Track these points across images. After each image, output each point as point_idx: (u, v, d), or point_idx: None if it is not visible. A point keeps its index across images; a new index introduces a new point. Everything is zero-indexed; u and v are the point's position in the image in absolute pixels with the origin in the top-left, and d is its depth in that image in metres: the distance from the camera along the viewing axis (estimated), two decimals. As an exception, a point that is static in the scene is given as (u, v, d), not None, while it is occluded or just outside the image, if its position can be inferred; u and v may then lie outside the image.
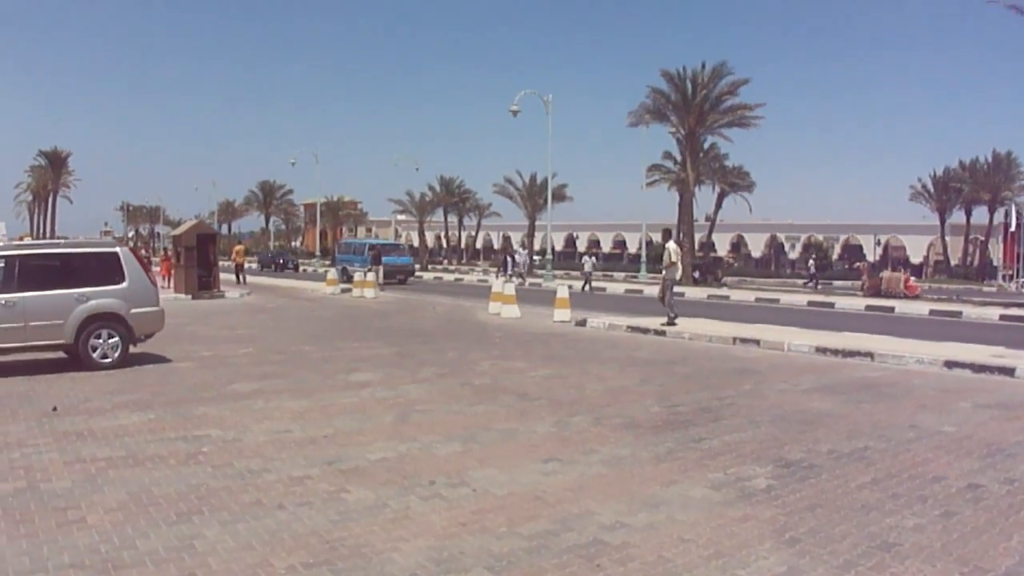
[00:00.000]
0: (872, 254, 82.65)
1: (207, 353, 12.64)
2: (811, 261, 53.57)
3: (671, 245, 16.89)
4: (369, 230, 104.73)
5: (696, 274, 41.80)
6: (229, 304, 23.66)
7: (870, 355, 12.64)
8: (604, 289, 34.35)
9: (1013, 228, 45.88)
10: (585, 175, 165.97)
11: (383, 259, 34.93)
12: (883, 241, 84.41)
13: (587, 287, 33.18)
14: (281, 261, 60.62)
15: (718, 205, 65.72)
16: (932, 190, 67.36)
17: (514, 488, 5.64)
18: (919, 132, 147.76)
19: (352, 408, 8.45)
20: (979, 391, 9.95)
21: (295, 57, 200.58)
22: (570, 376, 10.79)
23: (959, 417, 8.37)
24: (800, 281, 50.45)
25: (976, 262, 68.69)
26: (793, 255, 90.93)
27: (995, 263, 67.01)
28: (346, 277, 34.25)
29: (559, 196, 59.29)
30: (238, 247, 35.83)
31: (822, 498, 5.60)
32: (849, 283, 49.81)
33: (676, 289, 17.75)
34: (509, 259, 27.31)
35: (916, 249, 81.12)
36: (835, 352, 13.13)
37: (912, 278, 32.96)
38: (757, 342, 14.39)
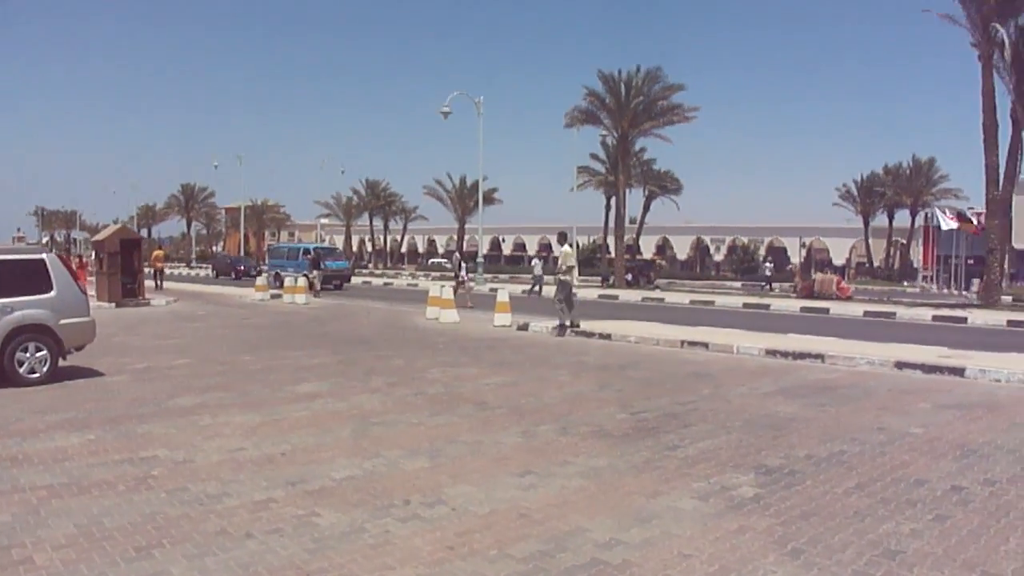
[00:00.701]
0: (797, 256, 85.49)
1: (141, 365, 12.05)
2: (767, 264, 54.74)
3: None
4: (292, 234, 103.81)
5: (629, 276, 42.33)
6: (156, 312, 22.90)
7: (820, 357, 12.89)
8: (539, 293, 34.32)
9: (944, 226, 47.74)
10: (515, 178, 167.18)
11: (325, 263, 34.54)
12: (807, 243, 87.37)
13: (536, 290, 33.18)
14: (242, 268, 52.47)
15: (646, 208, 66.92)
16: (856, 194, 70.00)
17: (495, 505, 5.43)
18: (844, 138, 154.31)
19: (305, 422, 8.10)
20: (934, 391, 10.23)
21: (216, 59, 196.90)
22: (525, 383, 10.66)
23: (923, 418, 8.55)
24: (735, 284, 51.67)
25: (897, 264, 71.60)
26: (718, 257, 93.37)
27: (915, 265, 70.10)
28: (279, 283, 33.69)
29: (489, 199, 59.49)
30: (157, 252, 34.88)
31: (812, 506, 5.58)
32: (778, 285, 51.30)
33: (610, 292, 17.99)
34: (463, 263, 26.73)
35: (839, 251, 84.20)
36: (785, 354, 13.34)
37: (844, 280, 33.96)
38: (705, 345, 14.54)
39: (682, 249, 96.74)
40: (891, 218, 70.38)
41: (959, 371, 11.45)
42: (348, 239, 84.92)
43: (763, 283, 48.16)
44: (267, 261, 42.26)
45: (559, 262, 17.01)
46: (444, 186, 64.88)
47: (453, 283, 25.52)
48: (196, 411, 8.58)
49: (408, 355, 13.41)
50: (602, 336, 16.20)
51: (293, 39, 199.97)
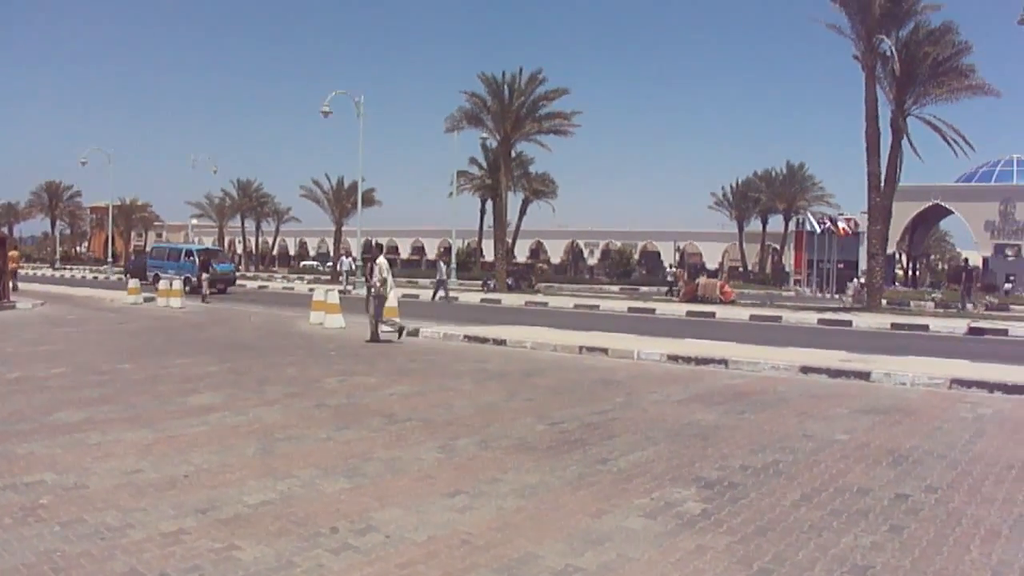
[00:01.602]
0: (671, 260, 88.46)
1: (14, 375, 11.15)
2: (673, 269, 55.84)
3: (381, 260, 16.89)
4: (160, 235, 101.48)
5: (510, 281, 42.45)
6: (23, 316, 21.82)
7: (724, 362, 13.10)
8: (418, 296, 33.91)
9: (816, 230, 50.33)
10: (394, 181, 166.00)
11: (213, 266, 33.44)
12: (681, 247, 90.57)
13: (440, 295, 32.68)
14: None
15: (522, 212, 67.45)
16: (731, 199, 73.02)
17: (431, 531, 5.03)
18: (721, 145, 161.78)
19: (204, 438, 7.49)
20: (846, 396, 10.53)
21: (85, 54, 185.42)
22: (430, 392, 10.35)
23: (844, 424, 8.73)
24: (612, 288, 52.69)
25: (769, 268, 75.12)
26: (592, 261, 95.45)
27: (787, 269, 73.83)
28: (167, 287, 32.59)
29: (368, 200, 58.61)
30: (13, 252, 32.79)
31: (765, 520, 5.46)
32: (655, 289, 52.78)
33: (493, 296, 18.00)
34: (374, 266, 25.46)
35: (712, 255, 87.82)
36: (688, 360, 13.50)
37: (727, 284, 35.17)
38: (605, 351, 14.54)
39: (556, 253, 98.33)
40: (765, 223, 73.78)
41: (865, 375, 11.87)
42: (221, 241, 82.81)
43: (668, 290, 48.91)
44: (147, 263, 40.67)
45: (373, 275, 16.72)
46: (321, 187, 63.59)
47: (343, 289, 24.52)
48: (82, 427, 7.82)
49: (300, 363, 12.99)
50: (496, 342, 15.97)
51: (166, 33, 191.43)
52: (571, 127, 41.28)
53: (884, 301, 32.15)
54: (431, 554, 4.64)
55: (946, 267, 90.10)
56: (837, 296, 52.64)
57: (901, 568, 4.66)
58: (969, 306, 33.27)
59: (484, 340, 16.23)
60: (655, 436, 7.95)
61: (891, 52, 25.82)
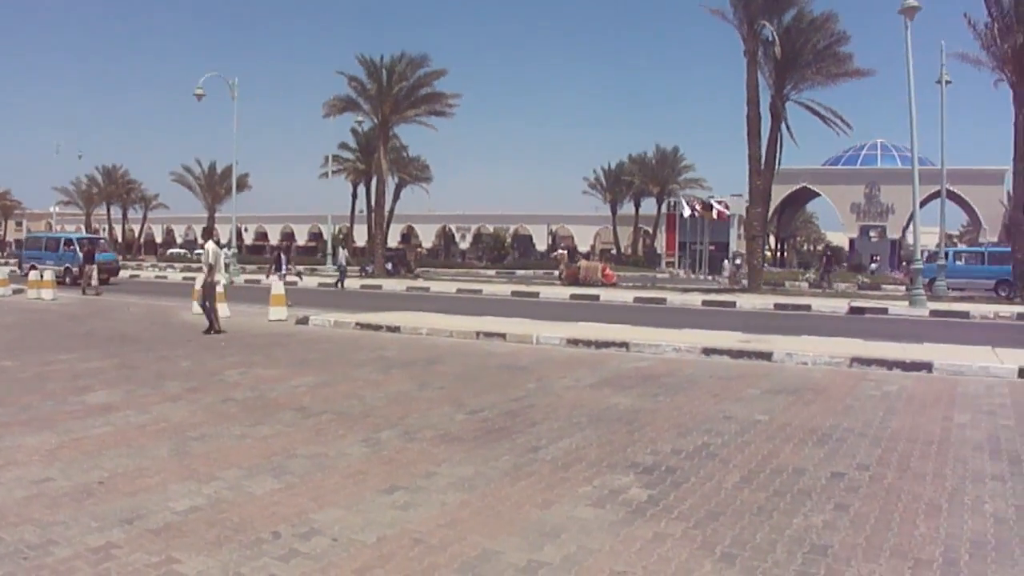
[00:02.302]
0: (543, 243, 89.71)
1: None
2: (557, 253, 55.75)
3: (210, 245, 16.13)
4: (20, 224, 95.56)
5: (389, 266, 42.09)
6: None
7: (625, 345, 13.30)
8: (296, 284, 32.98)
9: (687, 214, 51.94)
10: (265, 165, 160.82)
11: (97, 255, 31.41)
12: (554, 230, 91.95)
13: (341, 284, 31.87)
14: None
15: (396, 196, 66.85)
16: (605, 182, 74.60)
17: (379, 531, 4.83)
18: (596, 129, 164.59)
19: (112, 440, 7.01)
20: (754, 377, 10.88)
21: None
22: (337, 383, 10.11)
23: (760, 405, 8.99)
24: (488, 272, 52.87)
25: (641, 251, 77.33)
26: (464, 245, 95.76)
27: (658, 251, 76.20)
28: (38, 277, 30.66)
29: (241, 185, 56.58)
30: None
31: (713, 504, 5.53)
32: (531, 272, 53.34)
33: (373, 282, 17.87)
34: (283, 255, 23.79)
35: (584, 238, 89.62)
36: (588, 343, 13.63)
37: (608, 267, 35.86)
38: (503, 336, 14.52)
39: (427, 237, 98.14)
40: (637, 206, 75.86)
41: (766, 355, 12.29)
42: (88, 229, 78.79)
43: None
44: (23, 253, 38.71)
45: (202, 259, 15.97)
46: (193, 172, 61.22)
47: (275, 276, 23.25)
48: None
49: (192, 355, 12.50)
50: (390, 329, 15.71)
51: (29, 9, 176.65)
52: (451, 108, 41.30)
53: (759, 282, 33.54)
54: (385, 556, 4.44)
55: (812, 248, 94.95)
56: (711, 277, 54.73)
57: (858, 546, 4.80)
58: (827, 286, 35.40)
59: (377, 327, 15.94)
60: (578, 422, 7.95)
61: (773, 38, 26.88)
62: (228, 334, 15.44)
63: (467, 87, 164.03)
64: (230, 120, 38.92)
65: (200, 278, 15.53)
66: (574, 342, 13.73)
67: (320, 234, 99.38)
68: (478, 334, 14.77)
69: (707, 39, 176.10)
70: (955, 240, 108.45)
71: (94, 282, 28.57)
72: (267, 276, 23.97)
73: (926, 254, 24.65)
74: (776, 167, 29.98)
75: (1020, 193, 26.31)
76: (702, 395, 9.53)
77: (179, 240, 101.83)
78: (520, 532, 4.92)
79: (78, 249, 33.40)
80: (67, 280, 32.76)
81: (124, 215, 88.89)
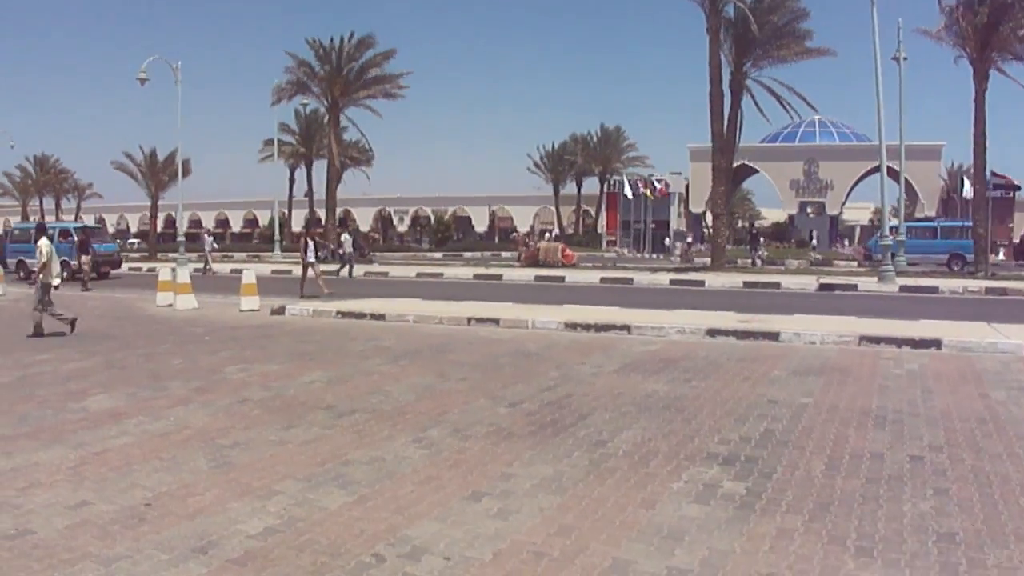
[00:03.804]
0: (483, 225, 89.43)
1: None
2: (547, 235, 55.27)
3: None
4: None
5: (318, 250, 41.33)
6: None
7: (626, 328, 13.13)
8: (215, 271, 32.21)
9: (630, 194, 52.08)
10: (212, 152, 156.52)
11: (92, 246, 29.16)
12: (493, 211, 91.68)
13: (349, 272, 30.40)
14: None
15: (338, 180, 65.72)
16: (547, 162, 74.49)
17: (491, 546, 4.49)
18: (539, 110, 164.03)
19: (138, 452, 6.47)
20: (771, 358, 10.82)
21: None
22: (351, 377, 9.69)
23: (796, 387, 8.90)
24: (435, 255, 52.33)
25: (581, 230, 77.53)
26: (402, 228, 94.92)
27: (599, 231, 76.47)
28: (23, 273, 29.26)
29: (185, 171, 54.87)
30: None
31: (815, 495, 5.36)
32: (477, 254, 53.02)
33: (328, 268, 17.74)
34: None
35: (523, 218, 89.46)
36: (586, 327, 13.44)
37: (568, 248, 35.73)
38: (495, 321, 14.24)
39: (364, 221, 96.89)
40: (579, 185, 75.97)
41: (773, 335, 12.24)
42: (24, 220, 75.77)
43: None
44: (7, 247, 35.04)
45: (36, 255, 14.50)
46: (134, 159, 59.03)
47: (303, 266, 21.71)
48: None
49: (179, 352, 11.94)
50: (374, 316, 15.29)
51: None
52: (400, 89, 40.71)
53: (708, 260, 33.86)
54: (512, 575, 4.15)
55: (748, 225, 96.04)
56: (658, 256, 55.11)
57: (980, 532, 4.70)
58: (757, 262, 36.24)
59: (360, 315, 15.49)
60: (627, 412, 7.72)
61: (741, 14, 26.93)
62: (207, 328, 14.76)
63: (406, 67, 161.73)
64: (163, 104, 37.94)
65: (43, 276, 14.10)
66: (572, 326, 13.51)
67: (255, 220, 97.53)
68: (469, 320, 14.44)
69: (652, 17, 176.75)
70: (889, 215, 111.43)
71: (86, 276, 26.43)
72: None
73: (889, 229, 24.97)
74: (737, 144, 30.19)
75: (980, 166, 26.91)
76: (732, 379, 9.39)
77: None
78: (640, 537, 4.66)
79: (76, 240, 30.50)
80: (64, 275, 30.39)
81: (57, 205, 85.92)
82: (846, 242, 71.40)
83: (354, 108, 42.43)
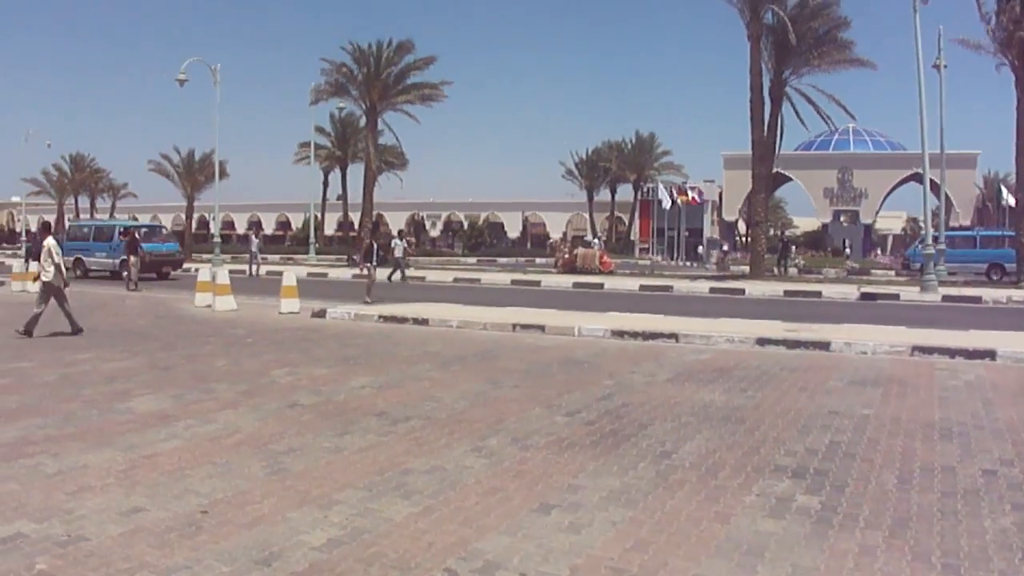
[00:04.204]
0: (515, 230, 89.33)
1: None
2: (595, 241, 54.78)
3: (49, 241, 14.09)
4: None
5: (380, 254, 41.44)
6: None
7: (674, 336, 12.99)
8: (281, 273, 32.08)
9: (667, 204, 51.81)
10: (241, 152, 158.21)
11: (144, 247, 28.69)
12: (526, 217, 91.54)
13: (402, 276, 29.80)
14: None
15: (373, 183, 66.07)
16: (581, 168, 74.31)
17: (567, 561, 4.36)
18: (574, 116, 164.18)
19: (189, 457, 6.37)
20: (824, 368, 10.66)
21: None
22: (401, 383, 9.60)
23: (854, 398, 8.74)
24: (469, 260, 52.36)
25: (614, 238, 77.17)
26: (434, 232, 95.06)
27: (632, 238, 76.12)
28: (81, 271, 29.73)
29: (222, 173, 55.50)
30: None
31: (891, 509, 5.22)
32: (512, 260, 52.98)
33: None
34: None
35: (556, 225, 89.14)
36: (634, 335, 13.32)
37: (606, 255, 35.60)
38: (541, 328, 14.14)
39: (396, 225, 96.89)
40: (614, 192, 75.67)
41: (824, 345, 12.04)
42: (60, 219, 77.17)
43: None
44: (64, 244, 34.36)
45: (41, 258, 13.96)
46: (171, 160, 59.75)
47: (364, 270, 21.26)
48: (25, 450, 6.48)
49: (222, 353, 11.99)
50: (417, 321, 15.26)
51: None
52: (440, 95, 40.73)
53: (746, 268, 33.54)
54: (604, 596, 4.05)
55: (778, 233, 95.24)
56: (692, 264, 54.75)
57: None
58: (789, 270, 35.77)
59: (403, 320, 15.47)
60: (688, 422, 7.60)
61: (782, 21, 26.69)
62: (248, 329, 14.80)
63: (440, 73, 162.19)
64: (194, 107, 38.29)
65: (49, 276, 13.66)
66: (619, 333, 13.39)
67: (288, 223, 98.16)
68: (514, 326, 14.34)
69: (686, 23, 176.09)
70: (920, 224, 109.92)
71: (133, 277, 25.40)
72: (360, 268, 21.95)
73: (931, 238, 24.58)
74: (777, 152, 29.91)
75: (1023, 175, 26.43)
76: (789, 389, 9.23)
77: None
78: (719, 552, 4.54)
79: (138, 239, 29.32)
80: (124, 274, 28.37)
81: (92, 205, 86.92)
82: (878, 251, 70.46)
83: (391, 113, 42.49)
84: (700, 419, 7.71)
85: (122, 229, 31.20)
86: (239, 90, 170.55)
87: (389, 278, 28.64)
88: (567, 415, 7.89)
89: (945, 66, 28.00)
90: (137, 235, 28.19)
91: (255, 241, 36.66)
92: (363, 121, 48.03)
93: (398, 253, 30.43)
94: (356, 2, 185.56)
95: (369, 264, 20.66)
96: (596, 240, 51.53)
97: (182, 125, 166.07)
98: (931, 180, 60.15)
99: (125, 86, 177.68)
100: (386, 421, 7.67)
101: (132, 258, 25.80)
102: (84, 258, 31.27)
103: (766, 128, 28.91)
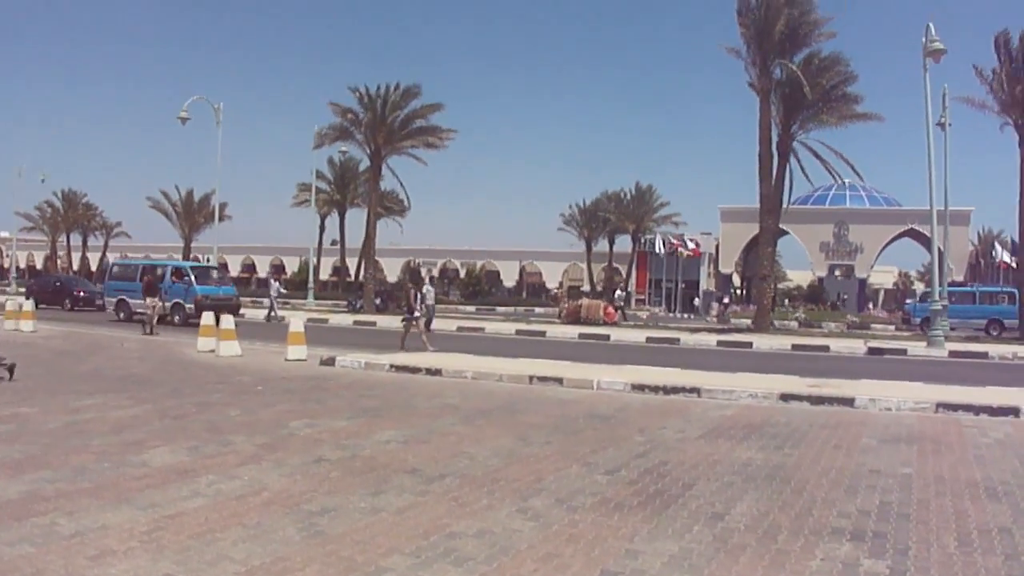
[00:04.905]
0: (511, 279, 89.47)
1: None
2: (618, 293, 54.56)
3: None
4: None
5: (379, 301, 41.24)
6: None
7: (696, 391, 12.85)
8: (283, 318, 31.65)
9: (662, 251, 51.96)
10: (240, 195, 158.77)
11: (199, 290, 27.75)
12: (523, 267, 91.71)
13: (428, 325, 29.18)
14: (82, 292, 39.54)
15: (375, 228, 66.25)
16: (580, 219, 74.72)
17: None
18: (573, 167, 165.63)
19: (217, 518, 6.03)
20: (853, 424, 10.57)
21: None
22: (427, 438, 9.35)
23: (892, 456, 8.62)
24: (468, 308, 52.28)
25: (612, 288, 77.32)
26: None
27: (628, 289, 76.19)
28: (123, 314, 28.50)
29: (220, 214, 55.50)
30: None
31: (960, 574, 5.09)
32: (511, 309, 52.87)
33: (365, 318, 17.52)
34: (418, 294, 20.77)
35: (552, 275, 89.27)
36: (654, 389, 13.18)
37: (610, 306, 35.59)
38: (559, 380, 13.98)
39: (392, 271, 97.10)
40: (611, 243, 75.96)
41: (848, 401, 11.93)
42: (54, 257, 76.75)
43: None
44: (107, 284, 32.69)
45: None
46: (170, 198, 59.65)
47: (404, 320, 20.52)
48: (36, 507, 6.09)
49: (234, 402, 11.63)
50: (430, 372, 15.09)
51: None
52: (446, 140, 40.77)
53: (748, 321, 33.51)
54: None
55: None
56: (689, 316, 54.74)
57: None
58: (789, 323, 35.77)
59: (415, 370, 15.28)
60: (732, 482, 7.43)
61: (792, 75, 27.01)
62: (257, 377, 14.54)
63: (440, 119, 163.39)
64: (198, 146, 38.28)
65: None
66: (640, 387, 13.24)
67: (282, 266, 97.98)
68: (531, 378, 14.17)
69: (687, 77, 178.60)
70: (912, 279, 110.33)
71: (152, 320, 24.25)
72: (403, 317, 20.99)
73: (936, 294, 24.59)
74: (782, 206, 30.07)
75: (1025, 232, 26.61)
76: (824, 446, 9.10)
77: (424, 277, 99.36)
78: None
79: (193, 281, 28.53)
80: (176, 320, 27.96)
81: (84, 242, 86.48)
82: (870, 305, 70.63)
83: (394, 158, 42.55)
84: (744, 478, 7.56)
85: (176, 269, 29.67)
86: (234, 132, 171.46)
87: (426, 326, 26.66)
88: (606, 474, 7.71)
89: (950, 124, 28.32)
90: (153, 277, 27.18)
91: (275, 285, 35.40)
92: (363, 166, 48.22)
93: (430, 300, 29.04)
94: (355, 47, 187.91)
95: (411, 312, 20.28)
96: (620, 292, 51.73)
97: (177, 165, 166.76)
98: (924, 236, 60.50)
99: (123, 124, 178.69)
100: (420, 479, 7.42)
101: (149, 300, 24.65)
102: (129, 300, 29.14)
103: (773, 181, 29.11)
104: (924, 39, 21.70)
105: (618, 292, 47.49)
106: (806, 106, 28.23)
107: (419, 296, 20.40)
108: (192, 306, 27.32)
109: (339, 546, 5.50)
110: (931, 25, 21.47)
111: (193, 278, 28.83)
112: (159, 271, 29.84)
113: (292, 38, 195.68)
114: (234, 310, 28.40)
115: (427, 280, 33.12)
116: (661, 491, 7.09)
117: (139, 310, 27.97)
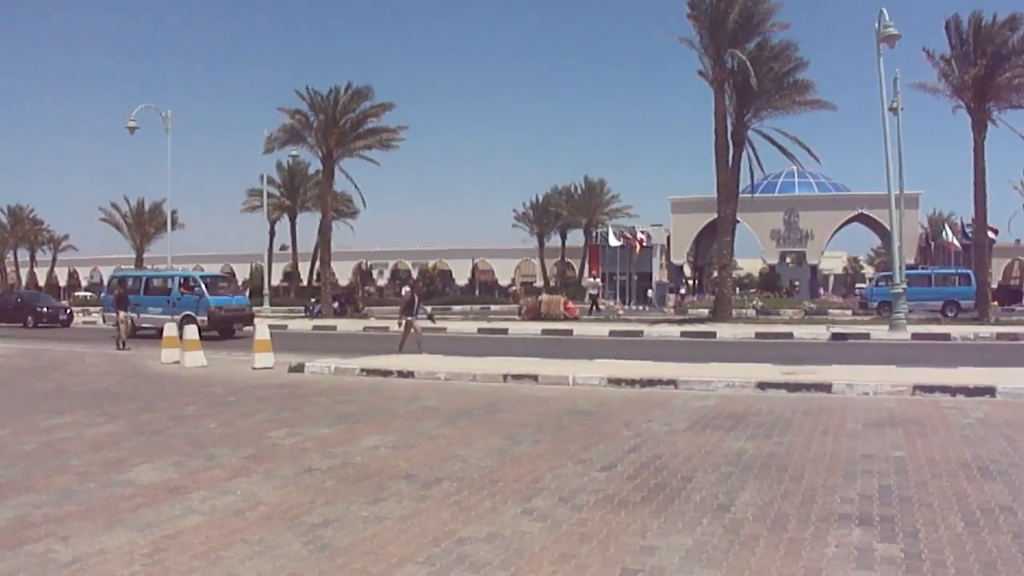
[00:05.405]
0: (463, 278, 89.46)
1: None
2: (591, 280, 54.83)
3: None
4: None
5: (336, 305, 40.85)
6: None
7: (673, 383, 12.94)
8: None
9: (615, 243, 52.27)
10: (187, 202, 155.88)
11: (211, 301, 26.49)
12: (475, 264, 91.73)
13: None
14: (44, 309, 38.78)
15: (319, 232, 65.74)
16: (532, 215, 74.89)
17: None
18: (525, 163, 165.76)
19: (217, 536, 5.88)
20: (835, 410, 10.71)
21: None
22: (415, 442, 9.26)
23: (880, 440, 8.78)
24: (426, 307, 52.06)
25: (562, 283, 77.65)
26: (382, 282, 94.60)
27: (583, 284, 76.57)
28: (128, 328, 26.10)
29: (173, 223, 54.47)
30: None
31: (974, 553, 5.16)
32: (468, 308, 52.77)
33: (325, 323, 17.35)
34: (417, 297, 20.68)
35: (504, 271, 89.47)
36: (631, 382, 13.22)
37: (571, 301, 35.70)
38: (534, 377, 13.98)
39: (343, 274, 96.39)
40: (564, 238, 76.27)
41: (825, 387, 12.12)
42: (3, 272, 75.21)
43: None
44: (105, 297, 31.24)
45: None
46: (120, 210, 58.43)
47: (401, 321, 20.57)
48: (27, 534, 5.87)
49: (209, 414, 11.39)
50: (403, 374, 14.98)
51: None
52: (397, 141, 40.58)
53: (706, 311, 33.90)
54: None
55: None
56: (644, 308, 55.15)
57: None
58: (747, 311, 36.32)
59: (387, 372, 15.16)
60: (729, 472, 7.49)
61: (742, 65, 27.34)
62: (227, 387, 14.31)
63: (389, 118, 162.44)
64: (168, 154, 37.31)
65: None
66: (616, 381, 13.28)
67: (233, 274, 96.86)
68: (505, 376, 14.15)
69: (635, 70, 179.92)
70: (862, 264, 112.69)
71: (123, 335, 23.59)
72: (399, 323, 20.89)
73: (884, 278, 25.13)
74: (738, 195, 30.43)
75: (981, 215, 27.29)
76: (811, 433, 9.22)
77: (84, 283, 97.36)
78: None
79: (205, 291, 27.11)
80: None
81: (32, 257, 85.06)
82: (821, 290, 71.97)
83: (348, 160, 42.20)
84: (740, 469, 7.61)
85: (185, 280, 28.55)
86: (183, 140, 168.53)
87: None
88: (603, 470, 7.71)
89: (902, 109, 28.87)
90: (125, 291, 26.27)
91: (408, 292, 34.58)
92: (312, 169, 47.82)
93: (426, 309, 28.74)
94: (304, 49, 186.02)
95: (409, 316, 20.18)
96: (593, 280, 51.94)
97: (127, 175, 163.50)
98: (873, 220, 61.64)
99: (70, 135, 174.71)
100: (417, 484, 7.33)
101: (121, 314, 23.88)
102: (132, 314, 27.40)
103: (729, 170, 29.47)
104: (877, 24, 22.17)
105: (592, 281, 47.52)
106: (759, 94, 28.67)
107: (418, 301, 20.56)
108: (205, 319, 25.99)
109: (349, 558, 5.38)
110: (884, 11, 21.94)
111: (204, 288, 27.50)
112: (155, 282, 29.06)
113: (240, 44, 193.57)
114: (248, 320, 27.85)
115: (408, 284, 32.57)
116: (662, 485, 7.12)
117: (146, 324, 27.06)
